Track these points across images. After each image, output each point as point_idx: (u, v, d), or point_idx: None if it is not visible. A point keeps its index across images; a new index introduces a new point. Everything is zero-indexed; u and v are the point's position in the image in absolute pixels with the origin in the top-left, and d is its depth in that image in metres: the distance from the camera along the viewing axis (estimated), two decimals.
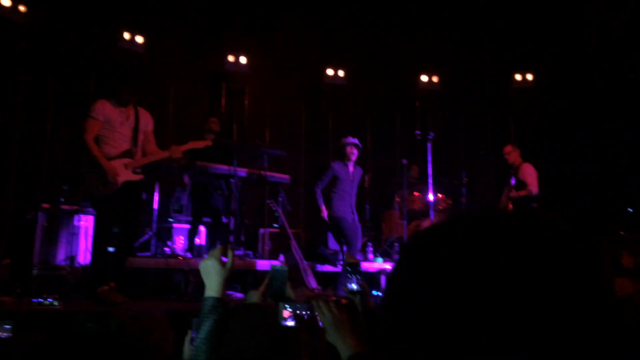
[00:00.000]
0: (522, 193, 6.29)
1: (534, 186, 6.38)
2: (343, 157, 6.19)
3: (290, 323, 1.82)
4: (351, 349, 1.66)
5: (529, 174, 6.44)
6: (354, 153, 6.15)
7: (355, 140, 6.22)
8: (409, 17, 8.88)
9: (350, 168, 6.20)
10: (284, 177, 6.58)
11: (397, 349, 0.63)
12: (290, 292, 1.96)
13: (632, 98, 7.49)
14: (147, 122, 4.90)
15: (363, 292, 2.26)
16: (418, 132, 6.32)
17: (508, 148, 6.68)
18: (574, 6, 8.17)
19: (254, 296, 1.93)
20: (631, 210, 6.92)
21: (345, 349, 1.66)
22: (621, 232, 6.72)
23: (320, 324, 1.76)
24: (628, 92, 7.58)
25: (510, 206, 6.38)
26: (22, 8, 6.41)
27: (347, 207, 6.06)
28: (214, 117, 6.81)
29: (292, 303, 1.82)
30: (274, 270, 1.98)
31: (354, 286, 2.21)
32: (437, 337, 0.59)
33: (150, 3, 7.83)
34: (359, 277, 2.24)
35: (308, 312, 1.79)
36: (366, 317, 2.20)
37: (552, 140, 8.06)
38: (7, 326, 2.13)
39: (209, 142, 5.14)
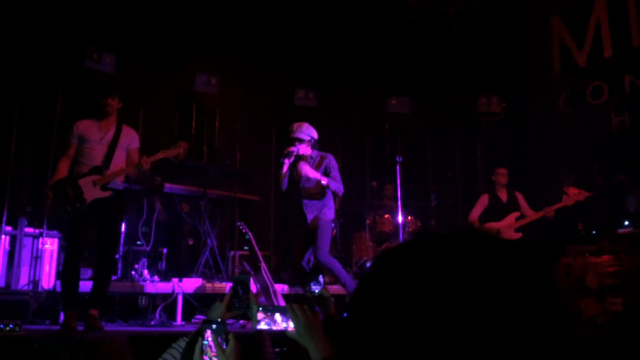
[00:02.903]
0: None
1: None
2: None
3: (264, 326, 1.82)
4: (323, 352, 1.69)
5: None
6: (292, 152, 5.21)
7: (298, 133, 5.22)
8: (380, 40, 9.04)
9: (300, 166, 5.25)
10: (254, 198, 6.57)
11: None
12: (253, 300, 1.95)
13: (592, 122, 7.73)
14: (130, 139, 4.76)
15: (325, 297, 2.28)
16: (399, 157, 6.28)
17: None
18: (538, 35, 8.44)
19: (219, 308, 1.91)
20: (595, 232, 7.08)
21: (317, 353, 1.69)
22: (586, 254, 6.87)
23: (293, 327, 1.78)
24: (589, 116, 7.82)
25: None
26: None
27: (303, 207, 5.34)
28: (183, 142, 6.76)
29: (265, 306, 1.83)
30: (236, 279, 1.97)
31: (316, 290, 2.25)
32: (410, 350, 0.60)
33: (120, 22, 7.80)
34: (321, 282, 2.27)
35: (283, 314, 1.80)
36: (326, 321, 2.22)
37: (518, 163, 8.22)
38: None
39: (179, 150, 4.90)
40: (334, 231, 5.52)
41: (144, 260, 5.74)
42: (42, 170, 6.49)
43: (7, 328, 4.03)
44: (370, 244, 7.31)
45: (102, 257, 4.59)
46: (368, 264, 7.17)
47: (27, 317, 4.97)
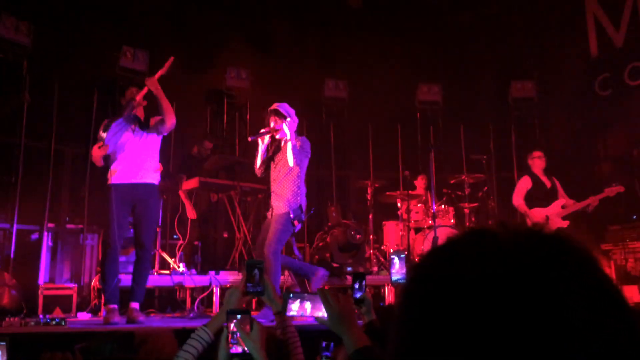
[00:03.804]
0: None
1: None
2: None
3: (294, 312, 1.83)
4: (357, 341, 1.65)
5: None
6: (265, 133, 4.86)
7: (277, 106, 4.93)
8: (409, 27, 8.94)
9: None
10: None
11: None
12: (267, 283, 1.96)
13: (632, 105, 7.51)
14: (156, 121, 4.90)
15: (366, 302, 2.26)
16: (431, 146, 6.23)
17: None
18: (573, 16, 8.23)
19: (235, 293, 1.92)
20: (635, 217, 6.91)
21: (351, 341, 1.66)
22: (627, 240, 6.71)
23: (326, 314, 1.76)
24: (628, 100, 7.60)
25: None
26: (25, 28, 6.46)
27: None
28: (209, 142, 6.91)
29: (296, 293, 1.83)
30: (249, 263, 1.97)
31: (357, 295, 2.23)
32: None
33: (152, 20, 7.90)
34: (363, 288, 2.24)
35: (315, 302, 1.80)
36: (367, 328, 2.21)
37: (553, 149, 8.07)
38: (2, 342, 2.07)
39: (170, 59, 4.90)
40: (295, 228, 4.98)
41: (181, 254, 5.84)
42: (81, 169, 6.66)
43: (54, 322, 4.17)
44: (403, 233, 7.27)
45: (140, 251, 4.69)
46: (393, 254, 7.09)
47: (70, 311, 5.13)
